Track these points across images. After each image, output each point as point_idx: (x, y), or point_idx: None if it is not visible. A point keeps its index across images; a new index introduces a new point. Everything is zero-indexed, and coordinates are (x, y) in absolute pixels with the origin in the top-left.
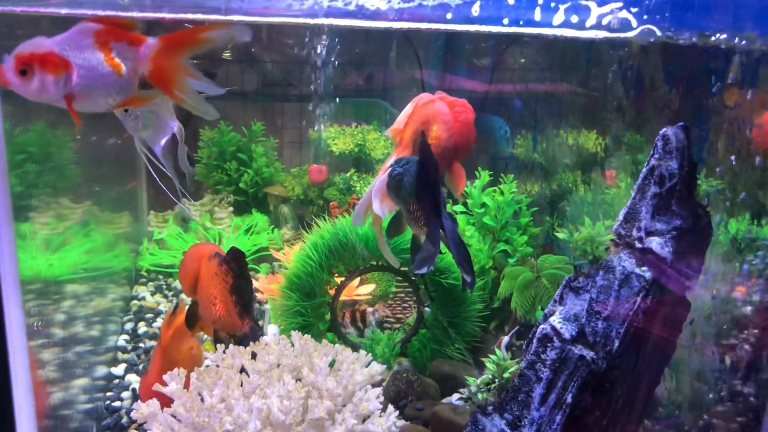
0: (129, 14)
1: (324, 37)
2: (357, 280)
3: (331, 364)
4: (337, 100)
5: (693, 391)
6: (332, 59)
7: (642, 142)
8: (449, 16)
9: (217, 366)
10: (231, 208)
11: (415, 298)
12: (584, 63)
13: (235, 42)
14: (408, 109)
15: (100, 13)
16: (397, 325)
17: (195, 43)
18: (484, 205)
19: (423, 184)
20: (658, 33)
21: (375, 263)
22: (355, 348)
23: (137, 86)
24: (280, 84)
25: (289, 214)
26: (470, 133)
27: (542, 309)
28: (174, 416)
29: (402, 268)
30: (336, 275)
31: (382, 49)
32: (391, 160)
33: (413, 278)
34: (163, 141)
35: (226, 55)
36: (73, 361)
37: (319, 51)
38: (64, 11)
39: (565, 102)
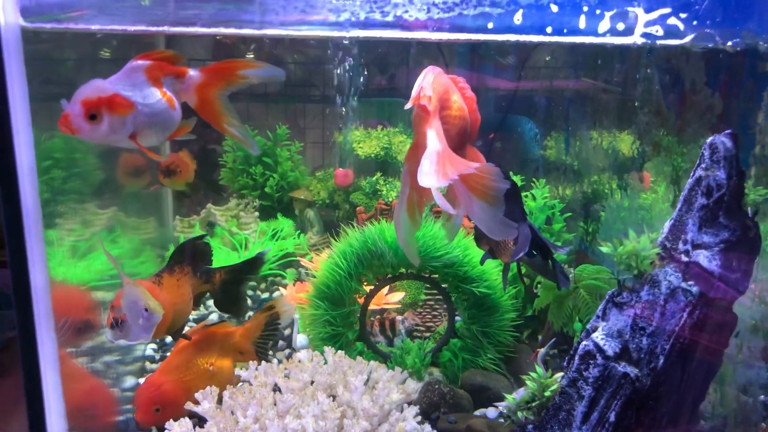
0: (161, 29)
1: (348, 39)
2: (386, 288)
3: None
4: (359, 100)
5: (738, 404)
6: (355, 60)
7: (680, 146)
8: (490, 25)
9: (250, 384)
10: (257, 213)
11: (445, 306)
12: (622, 65)
13: (269, 82)
14: (428, 78)
15: (131, 29)
16: (427, 334)
17: (233, 78)
18: None
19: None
20: (707, 38)
21: (404, 271)
22: (384, 357)
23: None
24: (303, 85)
25: (315, 218)
26: (477, 112)
27: (580, 321)
28: None
29: (433, 275)
30: (365, 283)
31: (406, 47)
32: (432, 132)
33: (443, 286)
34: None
35: (249, 55)
36: (101, 371)
37: (342, 52)
38: (94, 27)
39: (600, 104)
